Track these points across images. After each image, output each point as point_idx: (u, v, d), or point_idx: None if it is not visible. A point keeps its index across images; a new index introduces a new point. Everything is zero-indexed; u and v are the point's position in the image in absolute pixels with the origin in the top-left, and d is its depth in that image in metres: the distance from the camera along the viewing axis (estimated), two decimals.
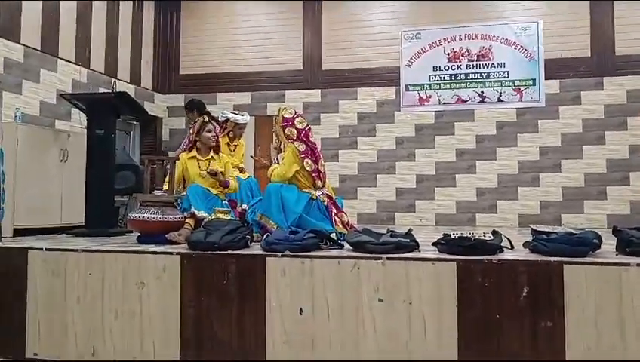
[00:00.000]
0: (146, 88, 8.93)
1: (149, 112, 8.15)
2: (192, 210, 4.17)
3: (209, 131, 4.70)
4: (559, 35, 7.95)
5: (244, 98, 8.90)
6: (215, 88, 8.98)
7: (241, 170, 5.64)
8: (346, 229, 4.26)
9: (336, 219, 4.34)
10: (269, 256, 3.27)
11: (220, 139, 5.41)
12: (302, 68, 8.82)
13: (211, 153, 4.74)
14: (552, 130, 7.84)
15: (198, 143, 4.72)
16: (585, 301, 2.91)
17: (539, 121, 7.89)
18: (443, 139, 8.20)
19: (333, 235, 3.97)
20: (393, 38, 8.49)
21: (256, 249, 3.51)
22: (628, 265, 2.93)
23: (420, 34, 8.43)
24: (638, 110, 7.58)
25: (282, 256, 3.26)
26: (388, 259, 3.16)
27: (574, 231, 3.43)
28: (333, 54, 8.67)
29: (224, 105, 8.61)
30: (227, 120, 5.68)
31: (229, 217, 4.15)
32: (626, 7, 7.75)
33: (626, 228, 3.47)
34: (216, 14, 9.18)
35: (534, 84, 7.96)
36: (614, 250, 3.32)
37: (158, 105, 9.10)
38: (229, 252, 3.37)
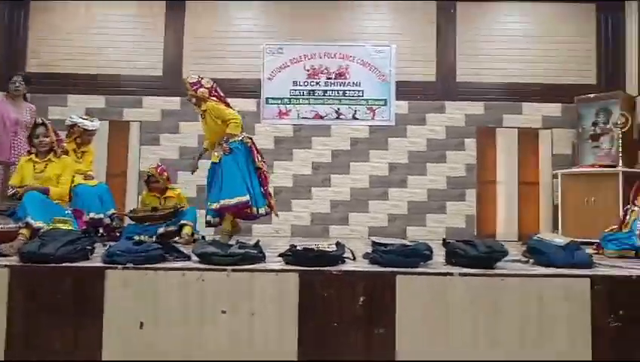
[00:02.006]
0: None
1: None
2: (28, 219, 3.86)
3: (37, 137, 4.41)
4: (409, 59, 8.52)
5: (98, 102, 8.45)
6: (65, 89, 8.40)
7: (88, 178, 5.38)
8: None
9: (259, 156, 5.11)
10: (110, 268, 3.16)
11: (66, 145, 5.13)
12: (162, 74, 8.59)
13: (50, 155, 4.44)
14: (401, 148, 8.37)
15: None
16: (414, 308, 3.16)
17: (389, 139, 8.38)
18: (301, 153, 8.42)
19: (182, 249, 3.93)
20: (256, 50, 8.57)
21: (97, 261, 3.37)
22: (452, 274, 3.24)
23: (282, 48, 8.59)
24: (473, 132, 8.34)
25: (124, 268, 3.16)
26: (233, 270, 3.19)
27: (408, 243, 3.71)
28: (195, 62, 8.53)
29: (75, 107, 8.10)
30: (74, 125, 5.40)
31: (69, 227, 3.91)
32: (466, 38, 8.53)
33: (455, 240, 3.82)
34: (71, 11, 8.65)
35: (385, 104, 8.46)
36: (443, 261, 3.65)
37: None
38: (66, 264, 3.20)
